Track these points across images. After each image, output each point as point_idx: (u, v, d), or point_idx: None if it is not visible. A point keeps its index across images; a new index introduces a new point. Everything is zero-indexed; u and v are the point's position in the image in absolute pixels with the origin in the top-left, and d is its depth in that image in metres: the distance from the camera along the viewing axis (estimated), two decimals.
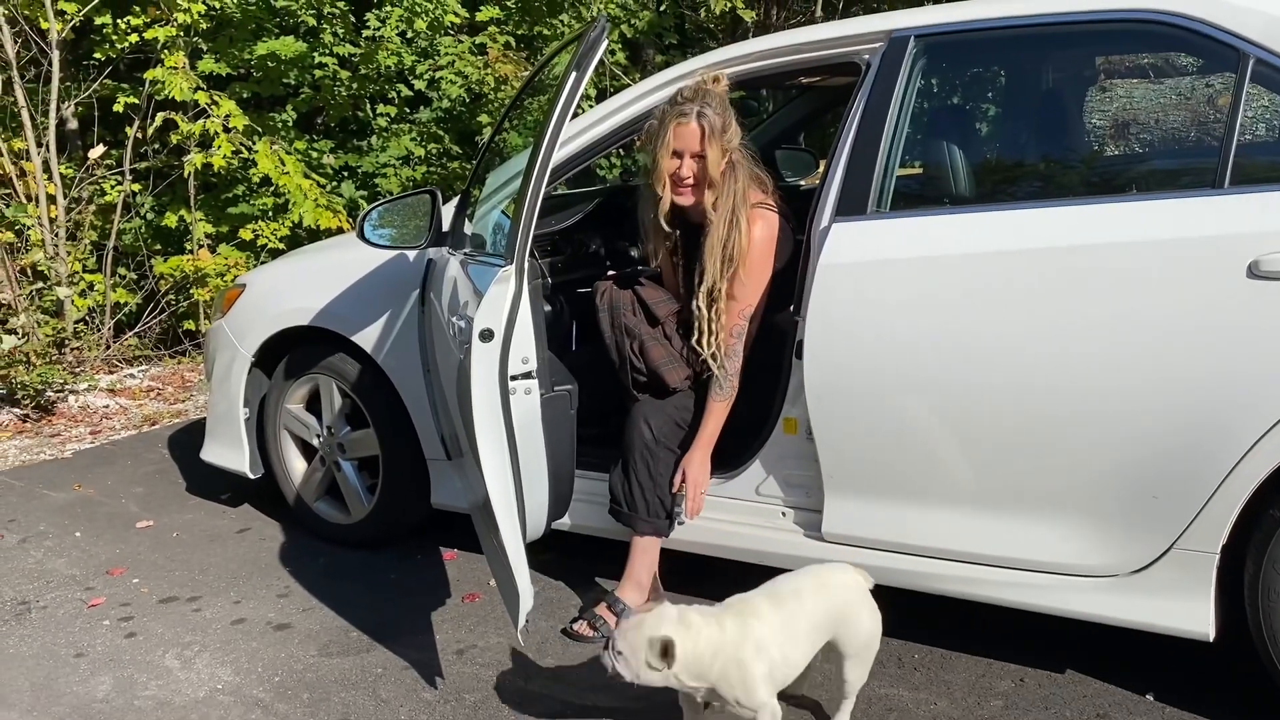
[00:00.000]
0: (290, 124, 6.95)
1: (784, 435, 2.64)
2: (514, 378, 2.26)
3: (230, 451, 3.61)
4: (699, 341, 2.64)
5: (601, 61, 5.21)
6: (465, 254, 2.79)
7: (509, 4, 7.34)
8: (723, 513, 2.74)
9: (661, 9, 8.15)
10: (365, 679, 2.62)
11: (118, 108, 6.32)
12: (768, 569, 2.44)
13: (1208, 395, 2.10)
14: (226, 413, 3.59)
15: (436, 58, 6.87)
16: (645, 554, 2.70)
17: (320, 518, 3.52)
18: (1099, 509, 2.26)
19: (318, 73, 6.74)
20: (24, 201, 5.88)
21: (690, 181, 2.62)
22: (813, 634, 2.12)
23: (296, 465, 3.54)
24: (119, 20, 6.29)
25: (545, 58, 3.82)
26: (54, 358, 5.62)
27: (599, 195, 3.84)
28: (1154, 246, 2.14)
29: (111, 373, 6.05)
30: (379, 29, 6.68)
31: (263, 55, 6.51)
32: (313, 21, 6.76)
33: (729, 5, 7.41)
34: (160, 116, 6.11)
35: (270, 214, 6.58)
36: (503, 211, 2.77)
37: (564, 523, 2.78)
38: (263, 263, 5.93)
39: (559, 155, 2.67)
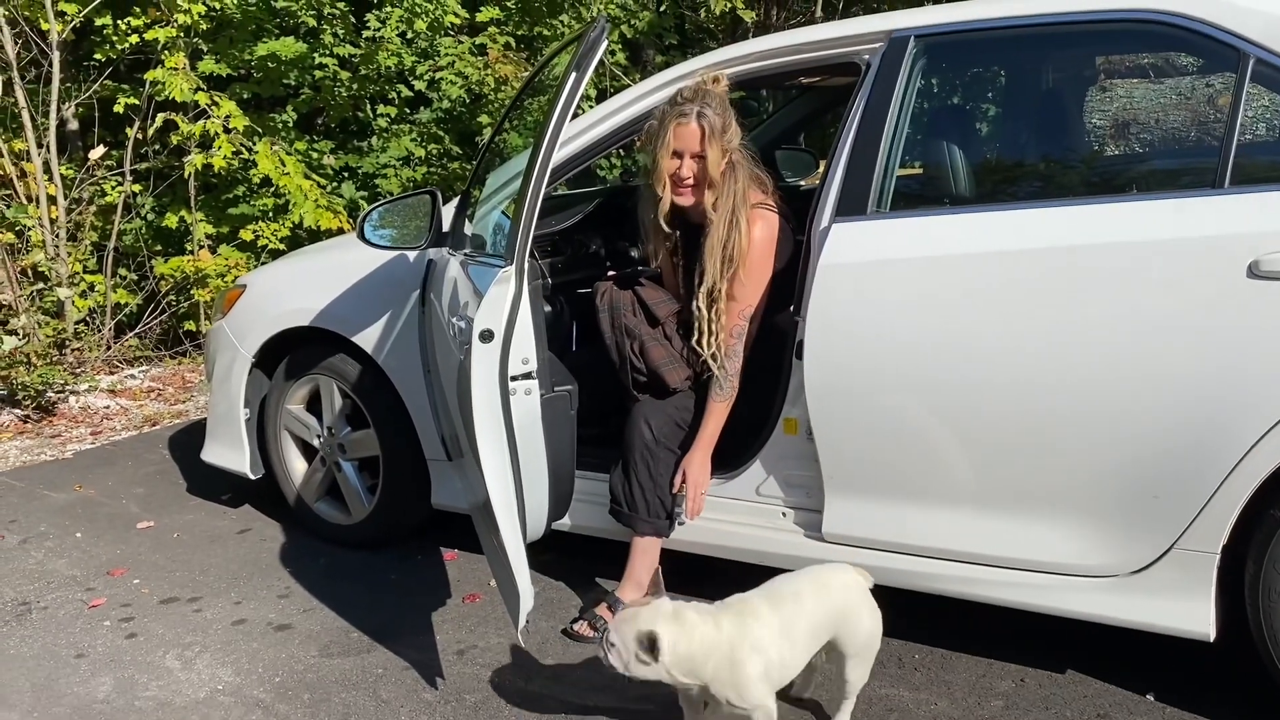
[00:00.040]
0: (290, 125, 6.96)
1: (784, 435, 2.64)
2: (514, 378, 2.26)
3: (231, 452, 3.61)
4: (699, 342, 2.64)
5: (601, 62, 5.22)
6: (465, 254, 2.79)
7: (509, 4, 7.35)
8: (723, 513, 2.74)
9: (661, 9, 8.16)
10: (366, 679, 2.62)
11: (118, 109, 6.32)
12: (768, 569, 2.44)
13: (1208, 395, 2.10)
14: (227, 413, 3.59)
15: (437, 58, 6.87)
16: (645, 554, 2.70)
17: (321, 518, 3.52)
18: (1099, 509, 2.26)
19: (318, 73, 6.74)
20: (24, 202, 5.89)
21: (690, 182, 2.62)
22: (812, 636, 2.12)
23: (297, 466, 3.54)
24: (119, 21, 6.30)
25: (545, 58, 3.82)
26: (55, 358, 5.62)
27: (599, 196, 3.84)
28: (1154, 246, 2.14)
29: (112, 373, 6.05)
30: (379, 30, 6.68)
31: (263, 56, 6.52)
32: (313, 22, 6.76)
33: (729, 5, 7.41)
34: (160, 117, 6.11)
35: (271, 215, 6.58)
36: (503, 212, 2.77)
37: (564, 523, 2.78)
38: (263, 263, 5.93)
39: (559, 156, 2.67)
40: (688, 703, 2.18)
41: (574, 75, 2.24)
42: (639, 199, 2.89)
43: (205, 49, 6.67)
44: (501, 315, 2.23)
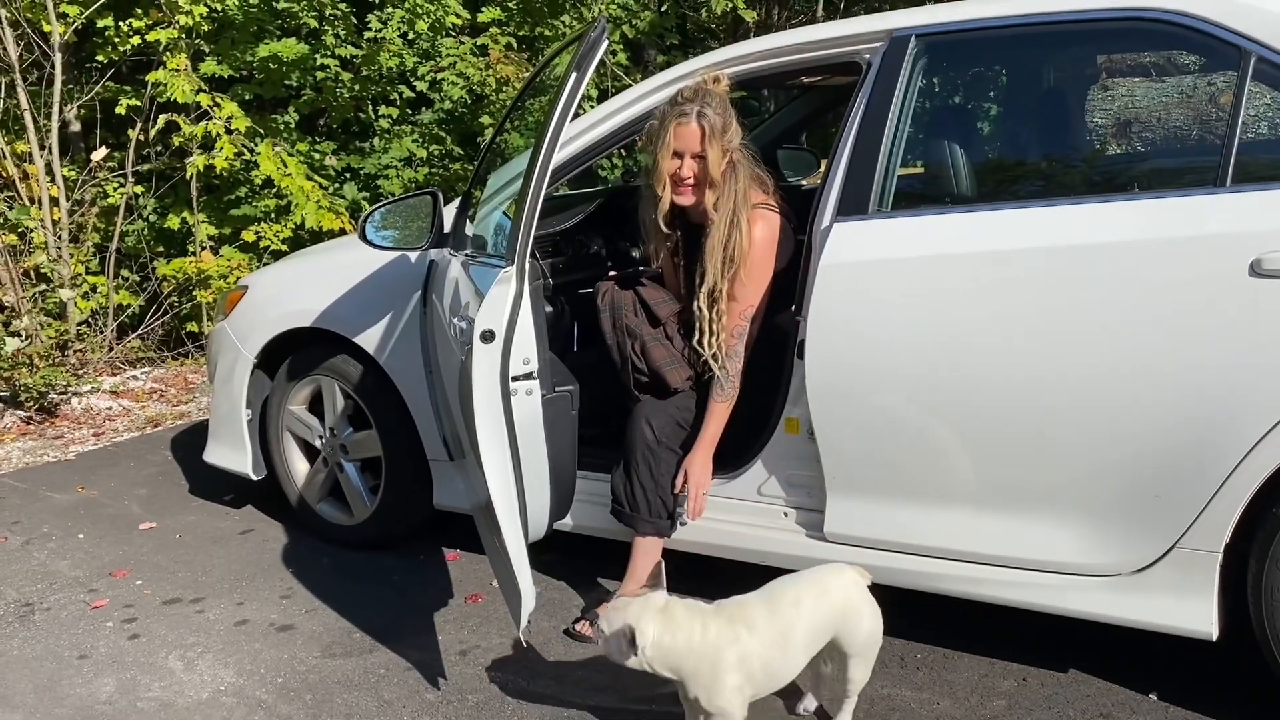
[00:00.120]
0: (292, 125, 6.97)
1: (786, 435, 2.64)
2: (515, 379, 2.26)
3: (233, 453, 3.62)
4: (700, 342, 2.64)
5: (602, 62, 5.22)
6: (467, 255, 2.79)
7: (510, 5, 7.35)
8: (725, 513, 2.74)
9: (663, 9, 8.17)
10: (368, 680, 2.62)
11: (120, 110, 6.34)
12: (769, 569, 2.44)
13: (1210, 394, 2.10)
14: (229, 414, 3.60)
15: (438, 59, 6.88)
16: (647, 554, 2.70)
17: (323, 519, 3.52)
18: (1102, 508, 2.26)
19: (319, 74, 6.75)
20: (27, 204, 5.91)
21: (691, 182, 2.62)
22: (810, 641, 2.12)
23: (299, 467, 3.55)
24: (121, 23, 6.31)
25: (546, 59, 3.82)
26: (57, 360, 5.63)
27: (600, 196, 3.84)
28: (1156, 245, 2.14)
29: (114, 375, 6.06)
30: (380, 31, 6.69)
31: (264, 57, 6.53)
32: (314, 23, 6.77)
33: (730, 5, 7.41)
34: (162, 119, 6.13)
35: (272, 216, 6.59)
36: (504, 212, 2.78)
37: (566, 523, 2.78)
38: (265, 264, 5.94)
39: (560, 156, 2.67)
40: (688, 703, 2.18)
41: (574, 75, 2.24)
42: (640, 199, 2.89)
43: (207, 50, 6.68)
44: (503, 316, 2.23)
